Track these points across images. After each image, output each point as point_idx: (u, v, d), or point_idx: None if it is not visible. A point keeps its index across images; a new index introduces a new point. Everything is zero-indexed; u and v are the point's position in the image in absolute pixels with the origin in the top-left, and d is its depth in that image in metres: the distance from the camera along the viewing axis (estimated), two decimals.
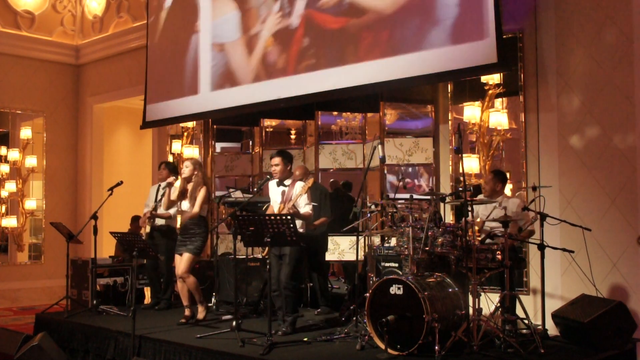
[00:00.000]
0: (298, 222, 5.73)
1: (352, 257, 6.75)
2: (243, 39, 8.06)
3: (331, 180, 8.06)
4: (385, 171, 7.45)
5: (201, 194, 6.35)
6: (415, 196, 5.66)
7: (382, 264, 6.07)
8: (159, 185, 7.34)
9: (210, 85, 8.43)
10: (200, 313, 6.45)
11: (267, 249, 5.77)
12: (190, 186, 6.41)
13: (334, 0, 7.10)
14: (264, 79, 7.74)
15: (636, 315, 5.43)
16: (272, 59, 7.70)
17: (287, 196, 5.81)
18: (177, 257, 6.44)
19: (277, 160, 5.91)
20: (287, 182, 5.91)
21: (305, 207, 5.77)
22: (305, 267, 7.07)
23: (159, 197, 7.21)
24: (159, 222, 7.22)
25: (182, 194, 6.43)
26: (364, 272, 6.08)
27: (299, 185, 5.80)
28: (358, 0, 6.85)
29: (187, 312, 6.42)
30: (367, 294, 5.09)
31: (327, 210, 6.85)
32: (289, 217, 5.13)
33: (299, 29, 7.43)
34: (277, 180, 5.93)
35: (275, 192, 5.97)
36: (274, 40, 7.69)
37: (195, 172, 6.40)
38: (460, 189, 5.58)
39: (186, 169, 6.41)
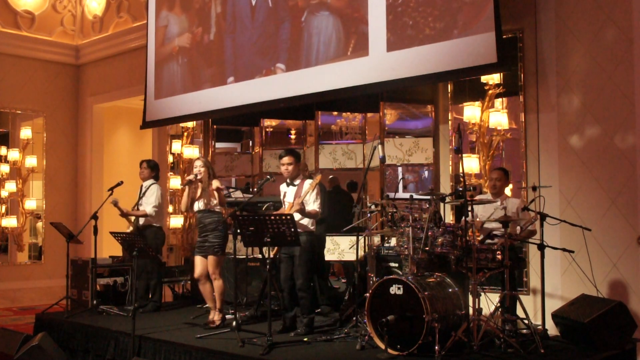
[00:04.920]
0: (308, 221, 5.74)
1: (352, 257, 6.74)
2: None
3: (330, 177, 8.02)
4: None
5: (218, 191, 6.14)
6: (415, 196, 5.65)
7: (382, 263, 6.06)
8: (142, 185, 7.35)
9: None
10: (216, 321, 6.10)
11: (276, 249, 5.75)
12: (202, 186, 6.19)
13: None
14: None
15: (636, 315, 5.43)
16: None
17: (296, 195, 5.79)
18: (197, 258, 6.21)
19: (287, 159, 5.83)
20: (297, 181, 5.86)
21: (313, 204, 5.73)
22: None
23: (141, 196, 7.23)
24: (141, 221, 7.19)
25: (195, 195, 6.21)
26: (363, 272, 6.07)
27: (307, 182, 5.78)
28: None
29: (211, 315, 6.18)
30: (367, 294, 5.09)
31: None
32: (289, 217, 5.12)
33: None
34: (287, 181, 5.88)
35: (286, 192, 5.94)
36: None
37: (209, 172, 6.21)
38: (460, 188, 5.58)
39: (202, 169, 6.17)
